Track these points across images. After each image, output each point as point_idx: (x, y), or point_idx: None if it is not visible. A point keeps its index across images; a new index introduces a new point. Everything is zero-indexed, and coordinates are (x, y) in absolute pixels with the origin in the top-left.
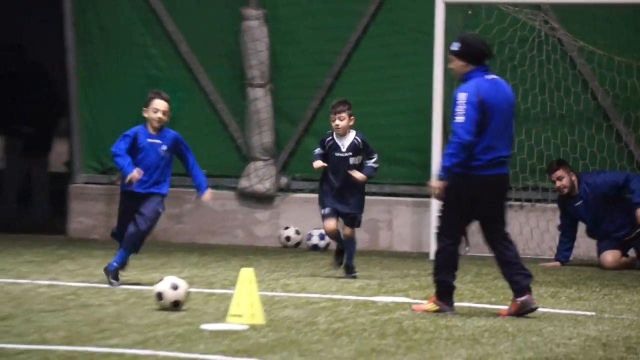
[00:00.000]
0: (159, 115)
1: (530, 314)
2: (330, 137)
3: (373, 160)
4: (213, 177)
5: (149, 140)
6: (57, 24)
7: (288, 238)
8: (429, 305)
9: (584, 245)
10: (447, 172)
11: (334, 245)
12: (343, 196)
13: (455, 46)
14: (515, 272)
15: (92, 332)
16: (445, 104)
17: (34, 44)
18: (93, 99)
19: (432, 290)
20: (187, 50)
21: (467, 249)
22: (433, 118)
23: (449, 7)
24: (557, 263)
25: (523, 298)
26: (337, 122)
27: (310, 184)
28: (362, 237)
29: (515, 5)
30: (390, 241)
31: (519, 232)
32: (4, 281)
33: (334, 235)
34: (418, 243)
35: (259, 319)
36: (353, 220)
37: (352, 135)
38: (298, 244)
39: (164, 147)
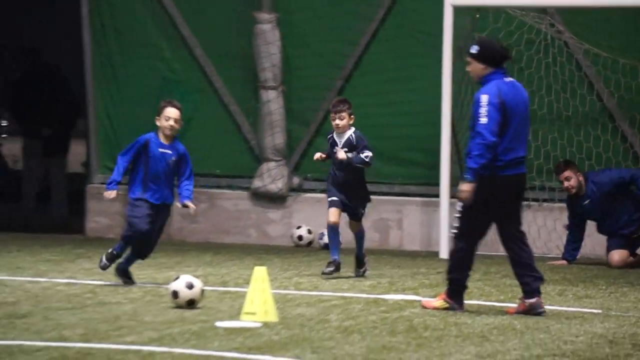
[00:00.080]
0: (171, 123)
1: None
2: (331, 135)
3: (364, 154)
4: (227, 177)
5: (161, 150)
6: (74, 28)
7: (300, 237)
8: (439, 302)
9: (591, 244)
10: (475, 174)
11: (346, 244)
12: (347, 190)
13: (474, 49)
14: (527, 274)
15: (109, 329)
16: (453, 106)
17: (52, 47)
18: (109, 101)
19: (441, 288)
20: (201, 53)
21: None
22: (442, 119)
23: (457, 11)
24: (564, 262)
25: (532, 300)
26: (337, 121)
27: (322, 184)
28: (372, 236)
29: (522, 8)
30: (400, 240)
31: (526, 231)
32: (23, 279)
33: (334, 226)
34: (427, 242)
35: (272, 316)
36: (356, 214)
37: (349, 132)
38: (310, 243)
39: (174, 158)
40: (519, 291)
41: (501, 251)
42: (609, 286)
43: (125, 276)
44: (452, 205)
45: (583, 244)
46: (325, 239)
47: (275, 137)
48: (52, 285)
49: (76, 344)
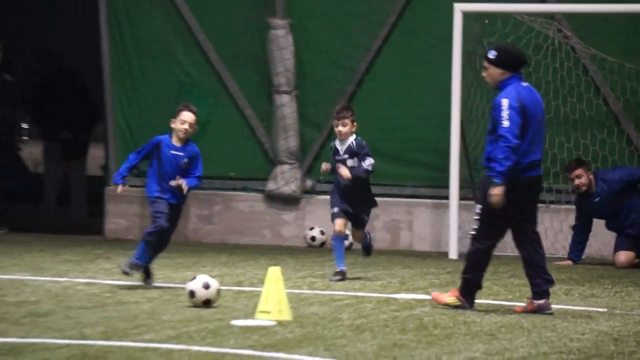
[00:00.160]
0: (186, 127)
1: None
2: (332, 143)
3: (366, 162)
4: (241, 180)
5: (172, 152)
6: (93, 34)
7: (313, 238)
8: (452, 299)
9: (596, 244)
10: (503, 177)
11: (356, 245)
12: (349, 197)
13: (492, 54)
14: (539, 276)
15: (128, 327)
16: (462, 109)
17: (72, 53)
18: (127, 106)
19: (451, 288)
20: (217, 58)
21: None
22: (451, 122)
23: (466, 16)
24: (570, 262)
25: (540, 302)
26: (340, 127)
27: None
28: (383, 237)
29: (530, 14)
30: (411, 241)
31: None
32: (44, 279)
33: (340, 235)
34: (437, 243)
35: (286, 315)
36: (359, 222)
37: (351, 139)
38: (323, 243)
39: (185, 160)
40: (526, 290)
41: (509, 252)
42: (614, 286)
43: (146, 272)
44: (461, 207)
45: (589, 244)
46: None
47: (288, 141)
48: (73, 285)
49: (96, 342)
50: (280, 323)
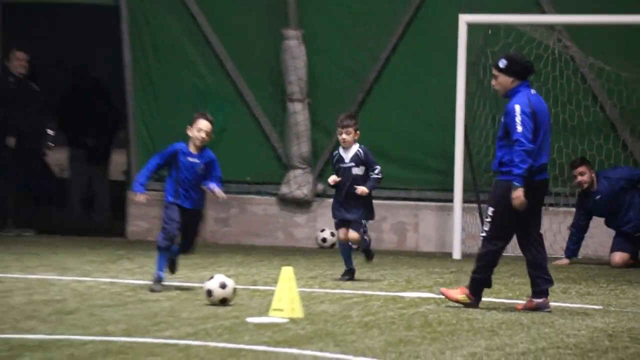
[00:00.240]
0: (203, 135)
1: None
2: (336, 152)
3: (376, 171)
4: (256, 184)
5: (189, 159)
6: (115, 45)
7: (324, 239)
8: (462, 296)
9: (593, 245)
10: (522, 179)
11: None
12: (349, 204)
13: (502, 63)
14: (540, 275)
15: (149, 324)
16: (466, 116)
17: (96, 63)
18: (148, 113)
19: (455, 286)
20: (233, 68)
21: None
22: (456, 128)
23: (470, 27)
24: (566, 260)
25: (539, 300)
26: (344, 136)
27: None
28: (390, 238)
29: (531, 25)
30: (417, 242)
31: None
32: (69, 279)
33: (344, 242)
34: (442, 244)
35: (298, 313)
36: (358, 225)
37: (355, 147)
38: (333, 245)
39: (202, 166)
40: (526, 289)
41: (509, 252)
42: (609, 284)
43: (172, 263)
44: (465, 209)
45: (585, 244)
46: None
47: (301, 146)
48: (97, 284)
49: (119, 338)
50: (293, 320)
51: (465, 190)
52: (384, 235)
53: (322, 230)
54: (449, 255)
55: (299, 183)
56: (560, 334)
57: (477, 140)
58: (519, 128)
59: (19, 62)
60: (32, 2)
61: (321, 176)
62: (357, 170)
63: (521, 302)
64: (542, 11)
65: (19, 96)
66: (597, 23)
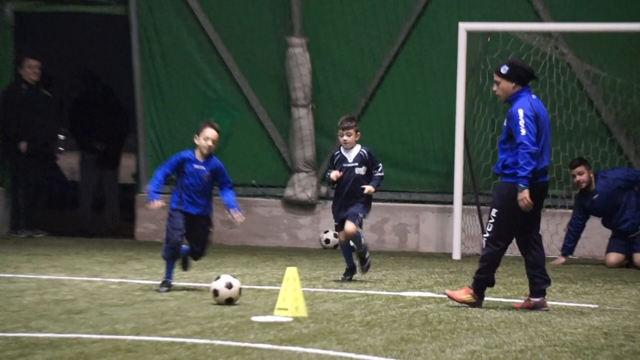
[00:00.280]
0: (209, 143)
1: None
2: (337, 152)
3: (379, 170)
4: (261, 187)
5: (195, 166)
6: (125, 54)
7: (327, 240)
8: (467, 296)
9: (589, 246)
10: (527, 181)
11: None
12: (349, 204)
13: (504, 69)
14: (538, 275)
15: (157, 323)
16: (466, 121)
17: (106, 71)
18: (156, 119)
19: (454, 286)
20: (239, 75)
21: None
22: (455, 133)
23: (470, 35)
24: (563, 259)
25: (537, 300)
26: (345, 137)
27: None
28: (392, 239)
29: (528, 33)
30: (418, 243)
31: None
32: (80, 279)
33: (345, 243)
34: (442, 244)
35: (302, 312)
36: (355, 218)
37: (357, 148)
38: (336, 246)
39: (208, 174)
40: (524, 288)
41: (507, 252)
42: (605, 284)
43: (183, 261)
44: (464, 211)
45: (582, 245)
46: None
47: (305, 150)
48: (106, 284)
49: (127, 337)
50: (297, 319)
51: (465, 192)
52: (385, 236)
53: (326, 232)
54: (449, 255)
55: (303, 186)
56: (557, 332)
57: (477, 144)
58: (523, 131)
59: (31, 70)
60: (45, 11)
61: (324, 179)
62: (360, 170)
63: (519, 301)
64: (540, 19)
65: (31, 102)
66: (592, 31)
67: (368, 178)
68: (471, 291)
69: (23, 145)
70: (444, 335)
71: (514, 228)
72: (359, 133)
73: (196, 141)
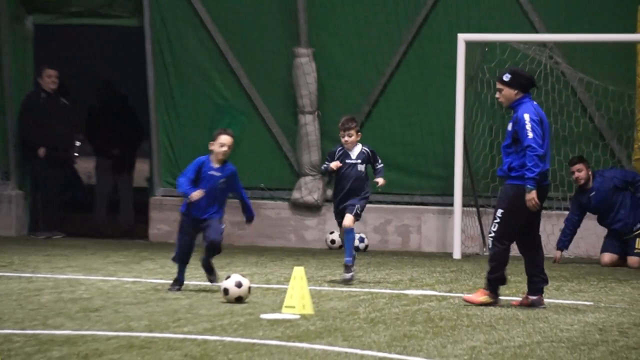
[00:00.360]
0: (225, 149)
1: None
2: (340, 148)
3: (379, 162)
4: (270, 190)
5: (210, 172)
6: (140, 63)
7: (333, 241)
8: (484, 298)
9: (584, 246)
10: (535, 182)
11: (372, 247)
12: (349, 197)
13: (506, 77)
14: (536, 274)
15: (169, 321)
16: (465, 126)
17: (121, 80)
18: (169, 126)
19: (454, 284)
20: (248, 83)
21: (484, 249)
22: (455, 138)
23: (468, 45)
24: (559, 252)
25: (534, 298)
26: (347, 138)
27: None
28: (395, 239)
29: (524, 43)
30: (420, 243)
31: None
32: (96, 278)
33: (349, 230)
34: (443, 245)
35: (309, 309)
36: (353, 209)
37: (359, 146)
38: (341, 246)
39: (222, 180)
40: (522, 287)
41: None
42: (600, 282)
43: (208, 270)
44: (464, 213)
45: (577, 245)
46: (356, 242)
47: (311, 155)
48: (121, 284)
49: (141, 334)
50: (304, 316)
51: (465, 195)
52: (389, 237)
53: (331, 233)
54: (450, 255)
55: (309, 189)
56: (554, 329)
57: (475, 149)
58: (530, 134)
59: (50, 79)
60: (64, 24)
61: (330, 182)
62: (361, 167)
63: (518, 299)
64: (535, 30)
65: (50, 110)
66: (585, 41)
67: (366, 177)
68: (487, 292)
69: (41, 151)
70: (445, 332)
71: (519, 227)
72: (359, 133)
73: (211, 147)
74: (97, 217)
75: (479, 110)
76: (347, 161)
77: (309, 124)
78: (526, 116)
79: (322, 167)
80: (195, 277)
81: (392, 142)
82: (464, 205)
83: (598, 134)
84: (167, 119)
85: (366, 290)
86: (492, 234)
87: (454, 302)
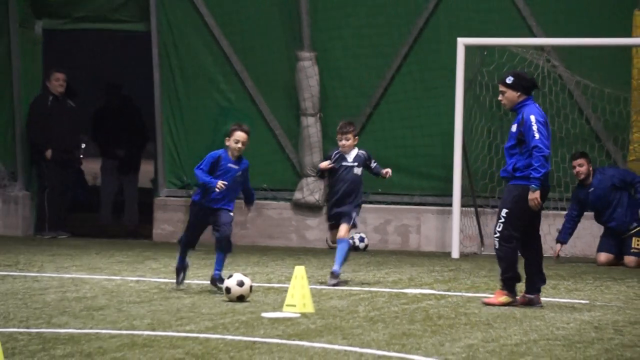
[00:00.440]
0: (239, 145)
1: None
2: (337, 151)
3: (375, 162)
4: (272, 190)
5: (230, 164)
6: (146, 67)
7: (334, 241)
8: (504, 298)
9: (580, 245)
10: (540, 182)
11: (372, 246)
12: (344, 201)
13: (509, 79)
14: (535, 273)
15: (172, 319)
16: (464, 129)
17: (128, 83)
18: (174, 127)
19: (453, 283)
20: (252, 86)
21: (482, 248)
22: (454, 140)
23: (467, 49)
24: (559, 246)
25: (531, 296)
26: (344, 141)
27: None
28: (394, 239)
29: (522, 47)
30: (419, 243)
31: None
32: (100, 277)
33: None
34: (442, 244)
35: (310, 308)
36: (348, 217)
37: (356, 150)
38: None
39: (239, 173)
40: (519, 285)
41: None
42: (595, 281)
43: (222, 282)
44: (463, 213)
45: (573, 244)
46: (356, 242)
47: (313, 156)
48: (125, 283)
49: (144, 332)
50: (304, 315)
51: (463, 195)
52: (388, 237)
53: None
54: (448, 254)
55: (311, 189)
56: (551, 327)
57: (474, 150)
58: (537, 135)
59: (57, 82)
60: (72, 28)
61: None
62: (358, 171)
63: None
64: (533, 34)
65: (57, 112)
66: (582, 45)
67: (361, 180)
68: (504, 292)
69: (48, 153)
70: (443, 330)
71: (523, 226)
72: (357, 137)
73: (227, 143)
74: (102, 217)
75: (477, 112)
76: (344, 164)
77: (311, 126)
78: (532, 117)
79: (317, 170)
80: (197, 277)
81: (393, 143)
82: (462, 205)
83: (594, 135)
84: (172, 121)
85: (366, 289)
86: (498, 234)
87: (452, 300)
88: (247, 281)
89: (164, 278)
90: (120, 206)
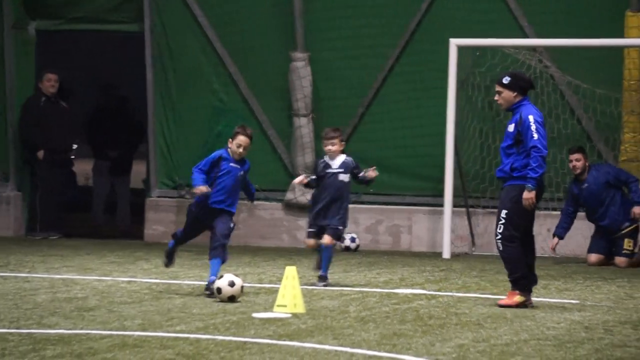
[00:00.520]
0: (241, 150)
1: None
2: (322, 160)
3: (359, 168)
4: (264, 190)
5: (232, 164)
6: (139, 67)
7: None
8: (517, 298)
9: (571, 245)
10: (536, 182)
11: (364, 246)
12: (330, 210)
13: (506, 80)
14: (527, 274)
15: (163, 320)
16: (456, 129)
17: (121, 83)
18: (167, 128)
19: (443, 283)
20: (245, 87)
21: (473, 248)
22: (446, 140)
23: (460, 50)
24: (556, 239)
25: None
26: (330, 147)
27: None
28: (386, 239)
29: (515, 47)
30: (410, 243)
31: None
32: (91, 278)
33: (315, 249)
34: (433, 244)
35: (300, 308)
36: (335, 232)
37: (342, 157)
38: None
39: (242, 173)
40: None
41: (494, 251)
42: (586, 281)
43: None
44: (454, 213)
45: (564, 244)
46: (346, 243)
47: (305, 157)
48: (116, 283)
49: (135, 333)
50: (295, 315)
51: (455, 195)
52: (380, 237)
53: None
54: (440, 254)
55: (303, 190)
56: (541, 327)
57: (466, 151)
58: (535, 135)
59: (49, 83)
60: (65, 29)
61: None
62: (344, 177)
63: (504, 297)
64: (525, 35)
65: (49, 113)
66: (574, 45)
67: (349, 186)
68: (517, 292)
69: (41, 153)
70: (434, 330)
71: (523, 226)
72: (343, 143)
73: (230, 145)
74: (94, 217)
75: (469, 113)
76: (328, 171)
77: (304, 127)
78: (530, 117)
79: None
80: (188, 277)
81: (385, 144)
82: (454, 205)
83: (586, 135)
84: (164, 122)
85: (357, 289)
86: (499, 236)
87: (443, 300)
88: (239, 281)
89: (155, 278)
90: (112, 207)
